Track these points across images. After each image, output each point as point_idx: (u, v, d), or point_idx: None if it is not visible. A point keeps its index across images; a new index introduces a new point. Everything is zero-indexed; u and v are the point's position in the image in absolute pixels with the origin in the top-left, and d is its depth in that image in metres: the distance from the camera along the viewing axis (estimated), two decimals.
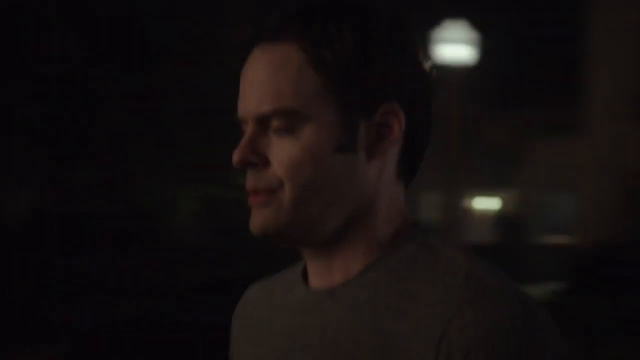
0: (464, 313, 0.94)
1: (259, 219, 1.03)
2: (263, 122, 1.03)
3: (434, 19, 19.80)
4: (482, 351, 0.93)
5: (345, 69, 1.01)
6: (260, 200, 1.03)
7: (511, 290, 0.97)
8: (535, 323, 0.95)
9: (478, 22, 20.32)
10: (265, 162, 1.02)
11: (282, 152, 1.02)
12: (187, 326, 8.19)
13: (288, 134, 1.02)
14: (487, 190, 24.33)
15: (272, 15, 1.04)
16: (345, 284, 1.03)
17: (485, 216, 23.98)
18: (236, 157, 1.02)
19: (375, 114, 1.02)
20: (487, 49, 20.55)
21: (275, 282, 1.15)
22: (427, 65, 1.05)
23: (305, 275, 1.09)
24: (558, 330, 0.99)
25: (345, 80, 1.01)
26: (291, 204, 1.02)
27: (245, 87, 1.04)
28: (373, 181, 1.04)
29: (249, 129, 1.03)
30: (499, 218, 22.80)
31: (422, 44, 1.06)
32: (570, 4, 21.37)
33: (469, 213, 23.54)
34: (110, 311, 9.51)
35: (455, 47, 20.06)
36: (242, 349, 1.15)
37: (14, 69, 11.63)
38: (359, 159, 1.03)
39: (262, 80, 1.02)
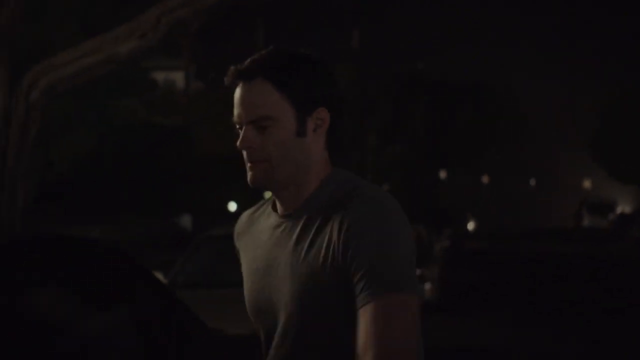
0: (350, 210, 1.81)
1: (256, 176, 1.90)
2: (253, 123, 1.87)
3: None
4: (356, 223, 1.79)
5: (297, 90, 1.87)
6: (257, 165, 1.89)
7: (379, 197, 1.83)
8: (389, 213, 1.82)
9: None
10: (257, 145, 1.87)
11: (265, 139, 1.87)
12: None
13: (267, 129, 1.87)
14: None
15: (247, 62, 1.90)
16: (296, 210, 1.90)
17: None
18: (241, 144, 1.88)
19: (314, 113, 1.89)
20: None
21: (256, 211, 2.03)
22: (338, 86, 1.92)
23: (274, 207, 1.95)
24: (406, 219, 1.84)
25: (297, 97, 1.87)
26: (274, 168, 1.88)
27: (239, 104, 1.89)
28: (313, 152, 1.90)
29: (245, 128, 1.88)
30: None
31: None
32: None
33: None
34: None
35: None
36: (244, 256, 2.00)
37: None
38: (307, 140, 1.89)
39: (250, 101, 1.87)
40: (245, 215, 2.04)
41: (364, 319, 1.72)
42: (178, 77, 36.53)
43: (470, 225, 39.54)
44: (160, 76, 32.45)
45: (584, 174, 64.27)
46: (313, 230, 1.84)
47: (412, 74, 42.77)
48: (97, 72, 9.30)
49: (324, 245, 1.80)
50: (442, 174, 46.25)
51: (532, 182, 69.96)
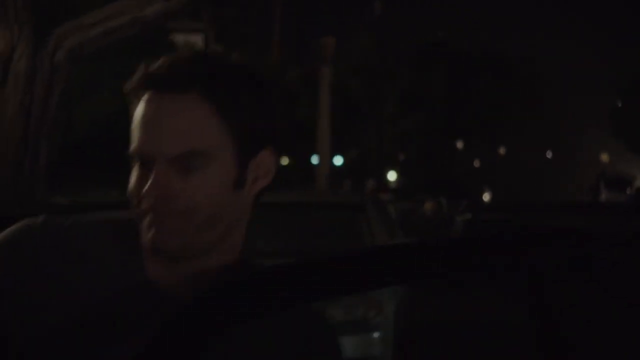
0: None
1: (165, 237, 1.22)
2: (174, 161, 1.21)
3: None
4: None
5: (243, 120, 1.24)
6: (170, 221, 1.21)
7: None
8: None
9: None
10: (174, 194, 1.21)
11: (190, 186, 1.21)
12: None
13: (195, 171, 1.22)
14: None
15: (170, 65, 1.23)
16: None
17: None
18: (150, 189, 1.20)
19: (257, 155, 1.27)
20: None
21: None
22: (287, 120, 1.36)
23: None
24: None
25: (242, 129, 1.24)
26: (198, 227, 1.22)
27: (149, 128, 1.21)
28: (245, 211, 1.28)
29: (158, 167, 1.20)
30: None
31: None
32: None
33: None
34: None
35: None
36: None
37: None
38: (242, 195, 1.27)
39: (171, 126, 1.20)
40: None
41: None
42: (198, 40, 36.38)
43: (486, 197, 39.46)
44: (179, 39, 32.31)
45: (602, 147, 63.90)
46: None
47: (432, 42, 42.47)
48: (121, 34, 9.25)
49: None
50: (459, 145, 46.07)
51: (549, 154, 69.64)
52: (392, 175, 38.40)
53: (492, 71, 43.19)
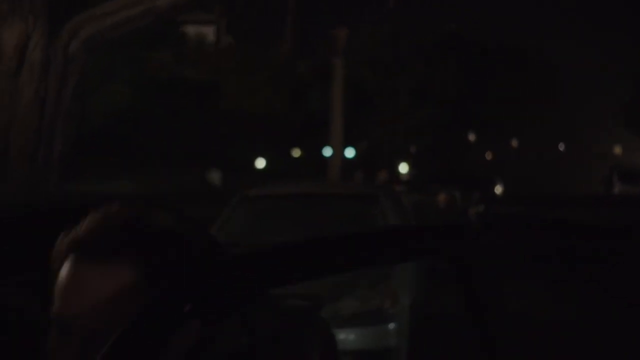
0: None
1: None
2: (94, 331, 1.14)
3: None
4: None
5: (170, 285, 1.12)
6: None
7: None
8: None
9: None
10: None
11: None
12: None
13: None
14: None
15: (99, 232, 1.16)
16: None
17: None
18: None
19: None
20: None
21: None
22: None
23: None
24: None
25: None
26: None
27: (70, 291, 1.15)
28: None
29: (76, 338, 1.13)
30: None
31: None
32: None
33: None
34: None
35: None
36: None
37: None
38: None
39: (96, 293, 1.14)
40: None
41: None
42: (209, 32, 36.33)
43: (498, 190, 39.32)
44: (191, 29, 32.29)
45: (615, 140, 63.60)
46: None
47: (445, 35, 42.34)
48: (136, 24, 9.24)
49: None
50: (471, 137, 45.93)
51: (561, 147, 69.36)
52: (403, 168, 38.32)
53: (505, 63, 43.04)
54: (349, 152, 31.29)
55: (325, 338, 1.40)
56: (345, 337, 5.97)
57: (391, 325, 6.24)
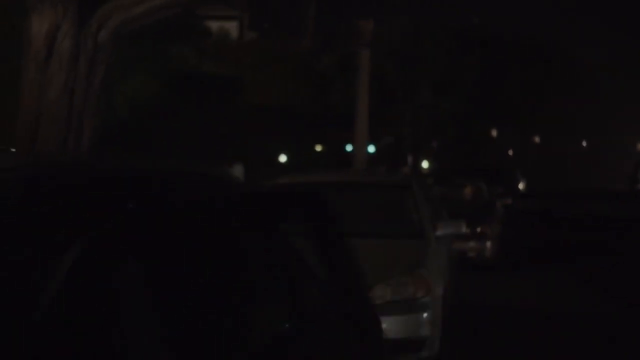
0: None
1: None
2: None
3: None
4: None
5: None
6: None
7: None
8: None
9: None
10: None
11: None
12: None
13: None
14: None
15: None
16: None
17: None
18: None
19: None
20: None
21: None
22: None
23: None
24: None
25: None
26: None
27: None
28: None
29: None
30: None
31: None
32: None
33: None
34: None
35: None
36: None
37: None
38: None
39: None
40: None
41: None
42: (232, 27, 36.38)
43: (521, 185, 39.09)
44: (214, 25, 32.34)
45: (639, 135, 63.08)
46: None
47: (467, 28, 42.11)
48: (164, 13, 9.21)
49: None
50: (493, 132, 45.67)
51: (584, 143, 68.86)
52: (425, 162, 38.18)
53: (528, 58, 42.75)
54: (370, 148, 31.13)
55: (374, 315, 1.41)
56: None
57: (425, 315, 6.18)
